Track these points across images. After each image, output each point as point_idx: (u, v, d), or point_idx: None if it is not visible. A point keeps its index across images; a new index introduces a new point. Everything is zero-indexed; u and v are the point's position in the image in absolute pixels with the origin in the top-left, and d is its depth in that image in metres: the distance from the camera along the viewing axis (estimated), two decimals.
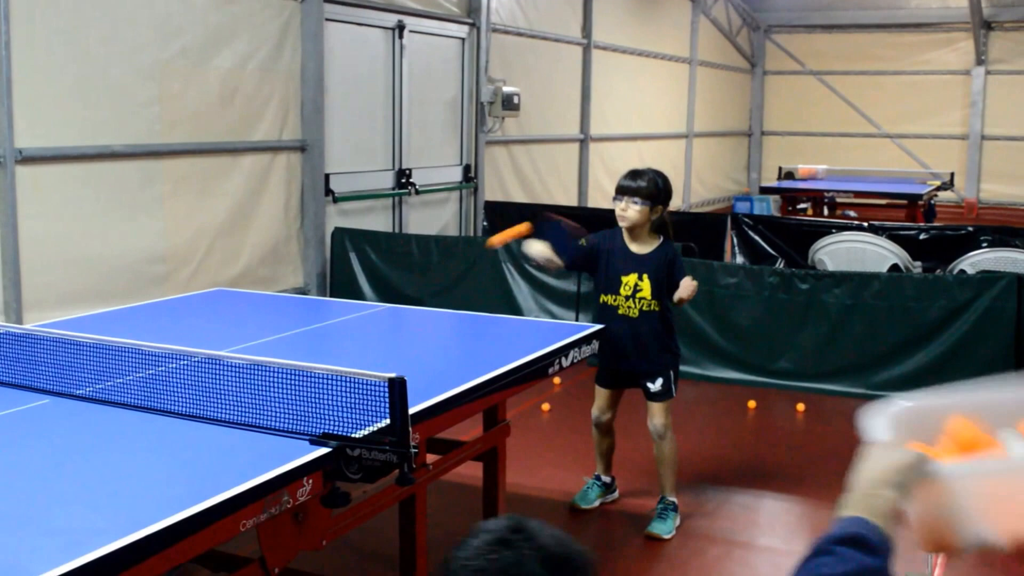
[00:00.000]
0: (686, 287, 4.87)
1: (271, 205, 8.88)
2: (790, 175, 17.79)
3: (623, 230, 5.05)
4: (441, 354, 4.57)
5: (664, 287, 5.00)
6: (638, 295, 5.00)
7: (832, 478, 5.92)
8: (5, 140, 6.56)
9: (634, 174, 4.98)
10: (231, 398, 3.25)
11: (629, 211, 4.94)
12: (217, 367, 3.46)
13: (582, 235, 5.02)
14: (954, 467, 1.72)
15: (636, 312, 5.00)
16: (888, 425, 1.82)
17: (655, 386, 5.07)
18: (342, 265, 9.35)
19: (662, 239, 5.07)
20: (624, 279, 5.02)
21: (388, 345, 4.78)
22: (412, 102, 10.71)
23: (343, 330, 4.89)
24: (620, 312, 5.04)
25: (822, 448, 6.50)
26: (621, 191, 4.97)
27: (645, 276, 4.99)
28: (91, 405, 3.37)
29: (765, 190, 16.92)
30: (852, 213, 16.76)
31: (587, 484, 5.47)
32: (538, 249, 4.92)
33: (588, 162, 14.85)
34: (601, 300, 5.11)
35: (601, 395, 5.30)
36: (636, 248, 5.05)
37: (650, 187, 4.93)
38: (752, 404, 7.32)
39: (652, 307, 5.00)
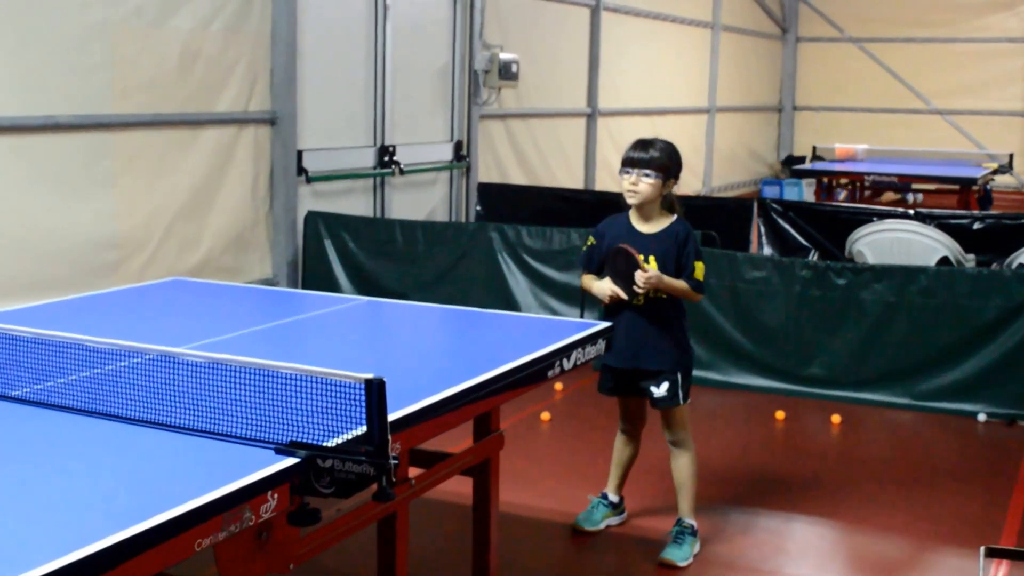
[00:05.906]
0: (640, 275, 4.86)
1: (236, 185, 8.87)
2: (822, 157, 17.82)
3: (631, 210, 5.09)
4: (427, 354, 4.57)
5: (673, 270, 5.00)
6: None
7: (871, 499, 5.93)
8: None
9: (643, 144, 5.01)
10: (187, 401, 3.25)
11: (640, 185, 4.95)
12: (172, 366, 3.46)
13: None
14: None
15: (642, 299, 5.00)
16: None
17: (659, 390, 5.05)
18: (316, 253, 9.35)
19: (674, 217, 5.10)
20: None
21: (367, 343, 4.78)
22: (397, 70, 10.71)
23: (316, 326, 4.89)
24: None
25: (860, 466, 6.51)
26: (630, 163, 4.98)
27: (651, 258, 4.99)
28: (28, 408, 3.37)
29: (797, 173, 16.93)
30: (910, 197, 16.86)
31: (592, 503, 5.47)
32: (606, 289, 4.99)
33: (596, 139, 14.86)
34: None
35: (619, 405, 5.33)
36: (644, 228, 5.07)
37: (663, 157, 4.96)
38: (780, 415, 7.32)
39: (660, 293, 4.99)
